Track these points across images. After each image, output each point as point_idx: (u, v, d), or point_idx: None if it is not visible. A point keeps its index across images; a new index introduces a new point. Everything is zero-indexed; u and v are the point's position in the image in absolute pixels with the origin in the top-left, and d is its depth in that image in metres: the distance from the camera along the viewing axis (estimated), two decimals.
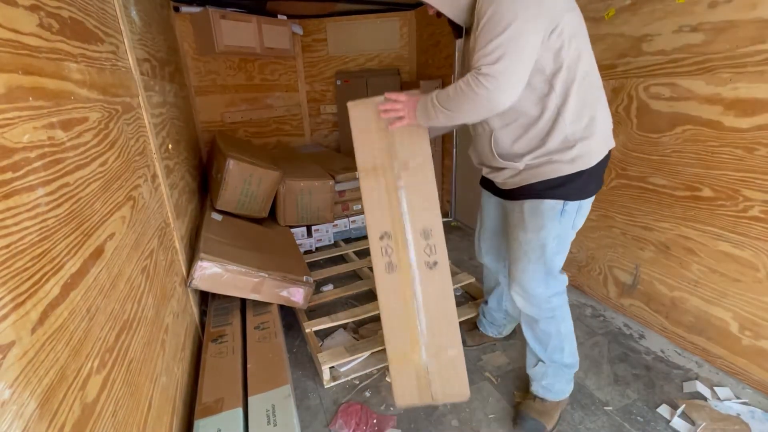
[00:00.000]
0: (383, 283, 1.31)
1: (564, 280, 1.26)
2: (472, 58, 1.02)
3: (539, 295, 1.23)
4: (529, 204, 1.18)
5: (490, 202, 1.45)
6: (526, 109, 1.09)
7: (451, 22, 1.17)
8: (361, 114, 1.28)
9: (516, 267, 1.25)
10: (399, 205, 1.28)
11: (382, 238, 1.30)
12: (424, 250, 1.28)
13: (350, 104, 1.29)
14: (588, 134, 1.08)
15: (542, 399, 1.35)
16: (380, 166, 1.29)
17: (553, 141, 1.09)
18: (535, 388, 1.37)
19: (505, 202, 1.33)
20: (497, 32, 0.94)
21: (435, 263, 1.28)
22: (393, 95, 1.26)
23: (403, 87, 3.44)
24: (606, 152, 1.15)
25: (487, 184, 1.42)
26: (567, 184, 1.12)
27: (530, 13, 0.94)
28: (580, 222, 1.21)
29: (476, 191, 1.57)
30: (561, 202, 1.14)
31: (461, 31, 1.19)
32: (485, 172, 1.32)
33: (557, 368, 1.33)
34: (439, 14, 1.15)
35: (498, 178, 1.26)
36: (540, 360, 1.34)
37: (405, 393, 1.35)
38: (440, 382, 1.32)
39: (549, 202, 1.14)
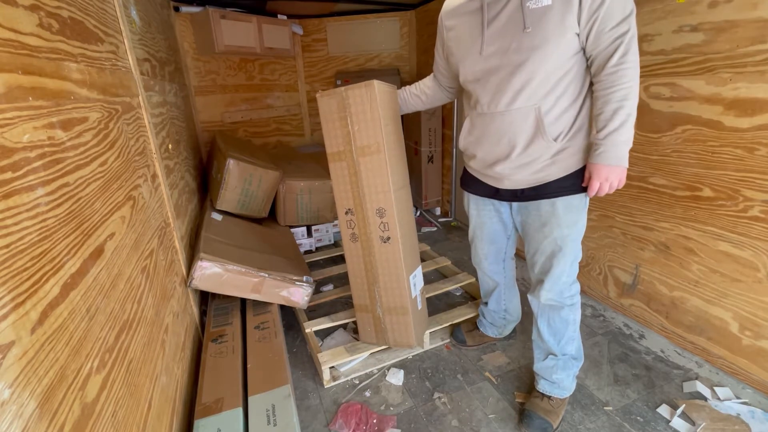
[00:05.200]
0: (349, 249, 1.57)
1: (577, 267, 1.29)
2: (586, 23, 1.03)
3: (564, 282, 1.28)
4: (562, 201, 1.19)
5: (486, 208, 1.41)
6: (576, 83, 1.11)
7: None
8: (327, 104, 1.41)
9: (550, 262, 1.26)
10: (359, 187, 1.45)
11: (347, 213, 1.52)
12: (379, 226, 1.47)
13: (319, 95, 1.41)
14: None
15: (549, 397, 1.36)
16: (342, 152, 1.44)
17: (582, 116, 1.13)
18: (542, 386, 1.38)
19: (520, 204, 1.29)
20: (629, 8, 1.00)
21: (388, 238, 1.47)
22: (591, 192, 1.14)
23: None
24: None
25: (482, 190, 1.36)
26: (583, 176, 1.17)
27: None
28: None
29: None
30: (584, 194, 1.19)
31: None
32: (499, 169, 1.23)
33: (567, 361, 1.35)
34: None
35: (515, 176, 1.21)
36: (551, 353, 1.36)
37: (365, 334, 1.69)
38: (392, 332, 1.62)
39: (578, 197, 1.19)
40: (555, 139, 1.13)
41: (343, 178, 1.47)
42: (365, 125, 1.36)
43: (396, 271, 1.49)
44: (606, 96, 1.05)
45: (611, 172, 1.09)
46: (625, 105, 1.03)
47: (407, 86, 1.56)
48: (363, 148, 1.39)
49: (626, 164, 1.09)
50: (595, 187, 1.12)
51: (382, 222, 1.45)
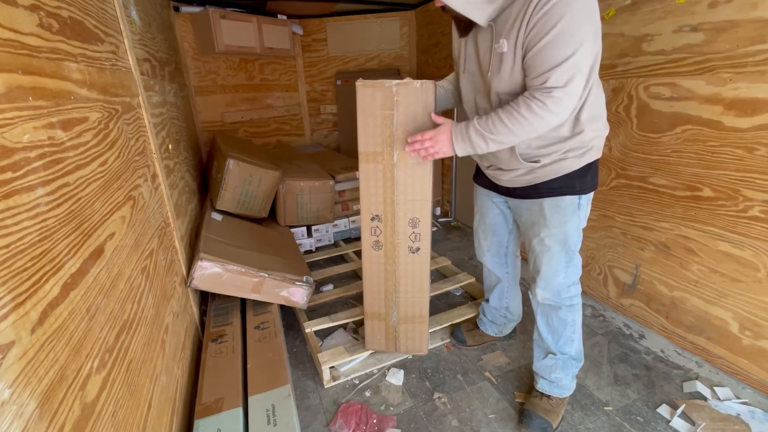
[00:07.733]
0: (369, 257, 1.47)
1: (579, 269, 1.29)
2: (508, 69, 1.04)
3: (560, 283, 1.28)
4: (549, 202, 1.21)
5: (488, 200, 1.46)
6: None
7: (458, 18, 1.11)
8: (369, 97, 1.24)
9: (539, 260, 1.29)
10: (392, 193, 1.34)
11: (372, 219, 1.40)
12: (410, 236, 1.40)
13: (359, 83, 1.24)
14: (597, 129, 1.14)
15: (548, 396, 1.37)
16: (380, 153, 1.30)
17: (571, 140, 1.13)
18: (542, 385, 1.39)
19: (514, 201, 1.34)
20: (569, 52, 0.94)
21: (418, 249, 1.42)
22: (417, 136, 1.18)
23: None
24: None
25: (486, 182, 1.42)
26: (580, 178, 1.17)
27: (592, 33, 0.97)
28: (588, 212, 1.26)
29: None
30: (578, 196, 1.19)
31: (468, 28, 1.13)
32: (491, 170, 1.32)
33: (566, 360, 1.36)
34: (444, 8, 1.08)
35: (505, 177, 1.27)
36: (550, 352, 1.37)
37: (373, 342, 1.64)
38: (405, 339, 1.60)
39: (569, 198, 1.19)
40: (528, 161, 1.17)
41: (375, 181, 1.32)
42: (414, 128, 1.23)
43: (420, 282, 1.47)
44: (501, 109, 1.07)
45: (443, 136, 1.14)
46: (494, 131, 1.06)
47: (440, 81, 1.44)
48: (406, 153, 1.27)
49: (450, 152, 1.15)
50: (420, 137, 1.17)
51: (414, 232, 1.37)
